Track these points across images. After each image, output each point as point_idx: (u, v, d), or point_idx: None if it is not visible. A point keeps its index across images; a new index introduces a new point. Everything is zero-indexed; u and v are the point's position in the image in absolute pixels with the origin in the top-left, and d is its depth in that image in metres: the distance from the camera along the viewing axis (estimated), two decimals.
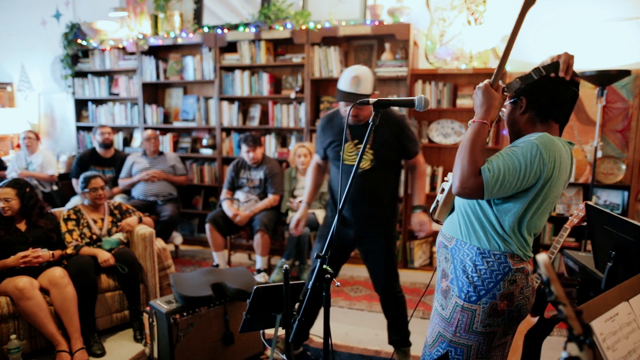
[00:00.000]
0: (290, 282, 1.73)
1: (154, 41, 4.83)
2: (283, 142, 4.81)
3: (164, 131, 5.11)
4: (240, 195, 4.17)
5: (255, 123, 4.75)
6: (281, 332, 2.03)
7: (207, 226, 4.01)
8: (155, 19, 4.92)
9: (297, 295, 1.95)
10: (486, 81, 1.40)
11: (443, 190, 1.57)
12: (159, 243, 3.39)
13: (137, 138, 5.28)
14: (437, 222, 1.64)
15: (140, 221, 3.34)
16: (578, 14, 3.83)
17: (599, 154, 3.50)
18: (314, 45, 4.34)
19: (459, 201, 1.49)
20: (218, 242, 4.02)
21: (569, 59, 1.38)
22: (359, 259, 4.44)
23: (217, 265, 4.06)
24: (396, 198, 2.58)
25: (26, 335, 2.70)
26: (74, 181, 4.55)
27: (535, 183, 1.32)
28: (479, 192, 1.30)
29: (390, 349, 2.85)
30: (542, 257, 0.74)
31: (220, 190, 4.59)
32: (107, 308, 3.01)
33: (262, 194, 4.17)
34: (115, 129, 5.25)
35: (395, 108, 2.48)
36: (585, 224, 2.11)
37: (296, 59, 4.47)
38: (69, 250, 2.93)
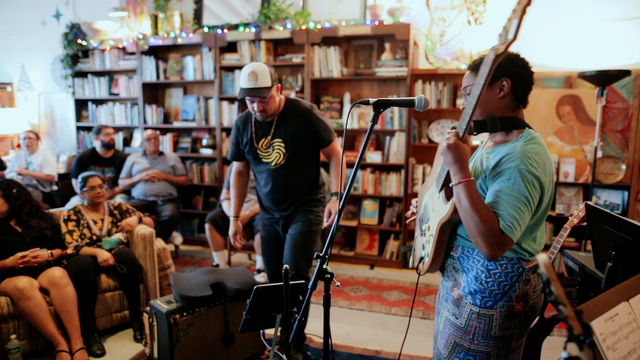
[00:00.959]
0: (290, 282, 1.73)
1: (154, 41, 4.83)
2: None
3: (164, 131, 5.11)
4: None
5: None
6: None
7: (207, 226, 4.01)
8: (155, 19, 4.92)
9: (297, 295, 1.95)
10: (453, 137, 1.29)
11: (424, 246, 1.48)
12: (159, 243, 3.39)
13: (137, 138, 5.28)
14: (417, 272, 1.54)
15: (140, 221, 3.34)
16: (578, 14, 3.83)
17: (599, 154, 3.50)
18: (314, 45, 4.34)
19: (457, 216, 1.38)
20: (218, 242, 4.02)
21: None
22: (359, 259, 4.45)
23: (217, 265, 4.06)
24: (318, 184, 2.62)
25: (26, 335, 2.70)
26: (73, 181, 4.55)
27: (539, 199, 1.31)
28: (507, 247, 1.28)
29: (390, 348, 2.85)
30: (542, 257, 0.74)
31: (220, 190, 4.59)
32: (107, 308, 3.01)
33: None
34: (115, 129, 5.24)
35: (302, 100, 2.54)
36: (585, 224, 2.11)
37: (296, 59, 4.47)
38: (69, 251, 2.93)
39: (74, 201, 4.37)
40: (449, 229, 1.43)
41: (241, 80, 2.31)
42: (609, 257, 1.67)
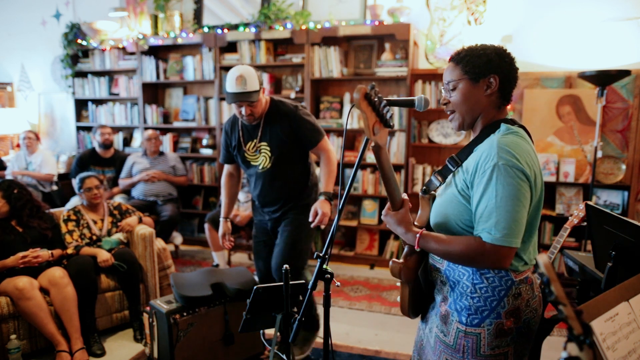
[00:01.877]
0: (290, 282, 1.73)
1: (154, 41, 4.83)
2: None
3: (164, 131, 5.11)
4: (240, 195, 4.17)
5: None
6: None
7: (206, 226, 4.01)
8: (155, 19, 4.92)
9: (297, 295, 1.95)
10: (387, 211, 1.33)
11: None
12: (159, 243, 3.39)
13: (137, 138, 5.28)
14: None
15: (140, 221, 3.34)
16: (578, 14, 3.83)
17: (599, 154, 3.50)
18: (314, 45, 4.34)
19: (442, 218, 1.34)
20: (217, 242, 4.02)
21: None
22: (359, 259, 4.45)
23: (217, 265, 4.06)
24: (308, 186, 2.58)
25: (26, 335, 2.70)
26: (73, 181, 4.54)
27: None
28: (512, 253, 1.21)
29: (390, 348, 2.85)
30: (542, 257, 0.74)
31: (220, 190, 4.58)
32: (107, 308, 3.01)
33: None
34: (115, 129, 5.25)
35: (287, 100, 2.49)
36: (585, 224, 2.11)
37: (296, 59, 4.47)
38: (70, 251, 2.94)
39: (74, 201, 4.37)
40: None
41: (228, 85, 2.27)
42: (609, 257, 1.67)
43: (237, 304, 2.64)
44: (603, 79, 3.28)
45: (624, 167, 3.72)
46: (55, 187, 4.84)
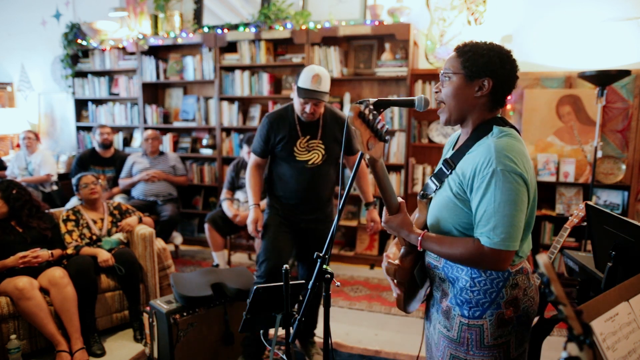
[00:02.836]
0: (290, 282, 1.73)
1: (154, 41, 4.83)
2: None
3: (164, 131, 5.11)
4: (240, 195, 4.17)
5: (255, 123, 4.75)
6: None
7: (206, 226, 4.01)
8: (155, 19, 4.92)
9: (297, 295, 1.95)
10: (384, 217, 1.37)
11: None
12: (159, 243, 3.39)
13: (137, 138, 5.28)
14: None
15: (140, 221, 3.34)
16: (578, 14, 3.83)
17: (599, 154, 3.50)
18: (314, 45, 4.34)
19: (437, 221, 1.37)
20: (217, 242, 4.02)
21: None
22: (359, 259, 4.45)
23: (217, 265, 4.06)
24: (333, 193, 2.71)
25: (26, 335, 2.70)
26: (74, 181, 4.55)
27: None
28: (511, 256, 1.25)
29: (390, 348, 2.85)
30: (542, 257, 0.74)
31: (220, 190, 4.59)
32: (107, 308, 3.01)
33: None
34: (115, 129, 5.25)
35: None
36: (585, 224, 2.11)
37: (296, 59, 4.47)
38: (69, 251, 2.94)
39: (74, 201, 4.37)
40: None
41: (303, 81, 2.33)
42: (609, 257, 1.67)
43: (237, 304, 2.64)
44: (603, 79, 3.28)
45: (624, 167, 3.72)
46: (55, 187, 4.84)
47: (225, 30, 4.62)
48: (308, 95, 2.32)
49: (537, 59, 3.98)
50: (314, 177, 2.52)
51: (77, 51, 5.25)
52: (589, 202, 1.94)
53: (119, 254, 3.05)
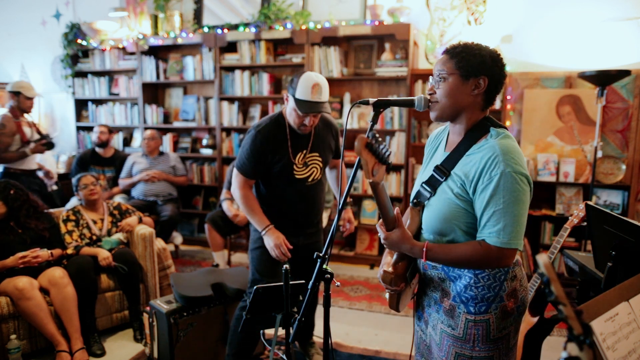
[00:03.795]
0: (290, 282, 1.73)
1: (154, 41, 4.83)
2: None
3: (164, 131, 5.10)
4: None
5: (255, 123, 4.74)
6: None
7: (206, 226, 4.01)
8: (155, 19, 4.92)
9: (297, 295, 1.95)
10: (383, 234, 1.38)
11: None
12: (159, 243, 3.39)
13: (137, 138, 5.28)
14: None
15: (140, 221, 3.34)
16: (578, 14, 3.83)
17: (599, 154, 3.50)
18: (314, 45, 4.34)
19: (439, 226, 1.37)
20: (217, 242, 4.02)
21: None
22: (359, 259, 4.45)
23: (217, 265, 4.06)
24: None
25: (26, 335, 2.70)
26: (74, 181, 4.55)
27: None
28: (514, 253, 1.30)
29: (390, 349, 2.85)
30: (542, 257, 0.74)
31: (220, 190, 4.59)
32: (107, 308, 3.01)
33: None
34: (115, 129, 5.25)
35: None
36: (585, 224, 2.11)
37: (296, 59, 4.47)
38: (69, 251, 2.93)
39: (74, 201, 4.37)
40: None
41: (301, 91, 2.07)
42: (609, 257, 1.67)
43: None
44: (603, 79, 3.28)
45: (624, 167, 3.72)
46: (55, 187, 4.84)
47: (225, 30, 4.62)
48: (311, 109, 2.08)
49: (537, 59, 3.98)
50: (315, 192, 2.35)
51: (77, 51, 5.25)
52: (589, 202, 1.94)
53: (119, 254, 3.04)
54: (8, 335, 2.61)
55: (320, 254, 1.46)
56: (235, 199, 2.29)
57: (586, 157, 3.81)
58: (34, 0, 5.58)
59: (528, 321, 2.16)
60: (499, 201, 1.25)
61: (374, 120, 1.44)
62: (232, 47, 4.68)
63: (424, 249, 1.34)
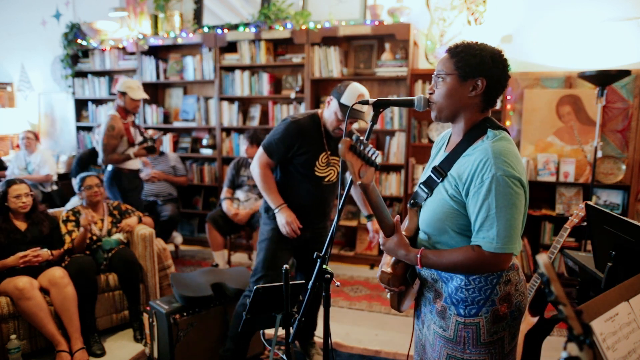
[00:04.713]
0: (290, 282, 1.73)
1: (154, 41, 4.83)
2: None
3: (164, 131, 5.11)
4: (240, 194, 4.17)
5: (255, 123, 4.75)
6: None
7: (207, 225, 4.02)
8: (155, 19, 4.92)
9: (297, 295, 1.95)
10: (381, 239, 1.40)
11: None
12: (159, 243, 3.39)
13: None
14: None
15: (140, 221, 3.34)
16: (578, 14, 3.83)
17: (599, 154, 3.50)
18: (314, 45, 4.34)
19: (433, 227, 1.38)
20: (217, 241, 4.02)
21: None
22: (359, 259, 4.45)
23: (216, 265, 4.06)
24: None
25: (26, 335, 2.70)
26: (74, 181, 4.54)
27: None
28: (510, 258, 1.28)
29: (390, 348, 2.84)
30: (542, 257, 0.74)
31: (220, 190, 4.59)
32: (107, 308, 3.01)
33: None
34: None
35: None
36: (585, 224, 2.11)
37: (296, 59, 4.47)
38: (67, 246, 2.95)
39: (74, 201, 4.37)
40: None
41: (347, 98, 2.22)
42: (609, 257, 1.67)
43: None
44: (603, 79, 3.28)
45: (624, 167, 3.72)
46: (55, 187, 4.84)
47: (225, 30, 4.62)
48: (356, 115, 2.23)
49: (537, 59, 3.98)
50: (328, 193, 2.46)
51: (77, 51, 5.25)
52: (589, 202, 1.94)
53: (119, 254, 3.05)
54: (8, 335, 2.61)
55: (320, 254, 1.46)
56: (254, 176, 2.41)
57: (586, 157, 3.81)
58: (34, 0, 5.58)
59: (528, 321, 2.16)
60: (491, 205, 1.22)
61: (374, 120, 1.44)
62: (232, 47, 4.68)
63: (418, 256, 1.34)
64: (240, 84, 4.68)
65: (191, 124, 4.95)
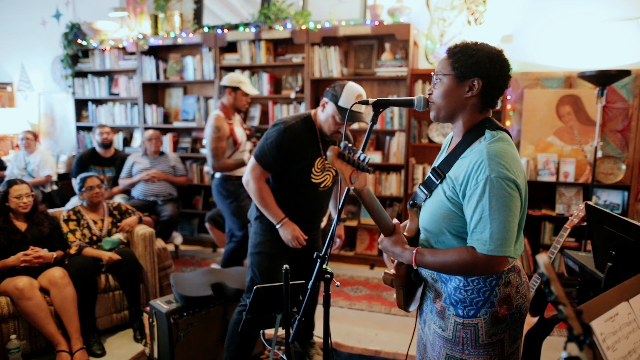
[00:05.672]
0: (290, 282, 1.73)
1: (154, 41, 4.83)
2: None
3: (164, 131, 5.10)
4: None
5: (255, 123, 4.75)
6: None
7: (207, 225, 4.02)
8: (155, 19, 4.92)
9: (297, 295, 1.95)
10: (379, 239, 1.40)
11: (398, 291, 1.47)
12: (159, 243, 3.39)
13: (137, 138, 5.28)
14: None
15: (140, 221, 3.34)
16: (578, 14, 3.83)
17: (599, 154, 3.50)
18: (314, 45, 4.34)
19: (430, 227, 1.37)
20: (222, 238, 4.04)
21: None
22: (359, 259, 4.45)
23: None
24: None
25: (26, 335, 2.70)
26: (74, 181, 4.54)
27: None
28: (505, 260, 1.26)
29: (390, 348, 2.84)
30: (542, 257, 0.74)
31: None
32: (107, 308, 3.01)
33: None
34: (115, 129, 5.25)
35: None
36: (585, 224, 2.11)
37: (296, 59, 4.47)
38: (72, 251, 2.93)
39: (74, 201, 4.37)
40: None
41: (345, 100, 2.12)
42: (609, 257, 1.67)
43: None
44: (603, 79, 3.28)
45: (624, 167, 3.72)
46: (55, 187, 4.84)
47: (225, 30, 4.62)
48: (356, 117, 2.12)
49: (537, 59, 3.98)
50: (323, 199, 2.39)
51: (77, 51, 5.25)
52: (589, 202, 1.94)
53: (119, 254, 3.04)
54: (8, 335, 2.61)
55: (320, 254, 1.46)
56: (249, 191, 2.28)
57: (586, 157, 3.81)
58: (34, 0, 5.58)
59: (528, 321, 2.16)
60: (485, 207, 1.22)
61: (374, 120, 1.44)
62: (232, 47, 4.68)
63: (414, 253, 1.33)
64: None
65: (191, 124, 4.95)
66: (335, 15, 4.34)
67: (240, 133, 3.60)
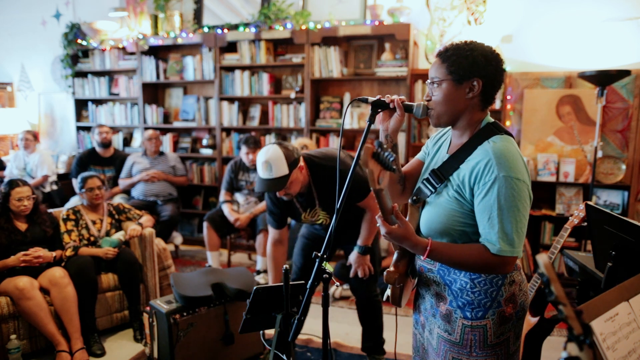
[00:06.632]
0: (290, 282, 1.73)
1: (154, 41, 4.83)
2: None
3: (164, 131, 5.10)
4: (239, 197, 4.17)
5: (255, 123, 4.75)
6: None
7: (205, 224, 4.00)
8: (155, 19, 4.92)
9: (297, 295, 1.95)
10: (385, 229, 1.28)
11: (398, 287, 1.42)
12: (159, 243, 3.39)
13: (137, 138, 5.28)
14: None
15: (140, 222, 3.33)
16: (578, 14, 3.82)
17: (599, 154, 3.50)
18: (314, 45, 4.34)
19: (434, 225, 1.36)
20: (214, 241, 3.99)
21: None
22: None
23: (209, 266, 4.03)
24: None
25: (26, 335, 2.70)
26: (74, 181, 4.55)
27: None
28: (514, 260, 1.27)
29: (390, 348, 2.84)
30: (542, 257, 0.74)
31: (220, 190, 4.59)
32: (107, 308, 3.01)
33: (262, 196, 4.15)
34: (115, 129, 5.25)
35: (322, 157, 2.30)
36: (585, 224, 2.11)
37: (296, 59, 4.47)
38: (68, 253, 2.92)
39: (74, 201, 4.38)
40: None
41: (258, 169, 2.14)
42: (609, 257, 1.67)
43: (237, 304, 2.64)
44: (603, 79, 3.27)
45: (624, 167, 3.71)
46: (55, 187, 4.84)
47: (225, 30, 4.62)
48: (262, 188, 2.11)
49: (537, 59, 3.98)
50: (327, 229, 2.39)
51: (77, 51, 5.25)
52: (589, 202, 1.94)
53: (118, 254, 3.04)
54: (8, 335, 2.61)
55: (319, 254, 1.46)
56: (267, 255, 2.56)
57: (586, 157, 3.80)
58: (34, 0, 5.58)
59: (528, 321, 2.16)
60: (495, 207, 1.21)
61: (371, 120, 1.42)
62: (232, 47, 4.68)
63: (428, 247, 1.29)
64: (240, 84, 4.68)
65: (191, 124, 4.95)
66: (335, 15, 4.34)
67: None
